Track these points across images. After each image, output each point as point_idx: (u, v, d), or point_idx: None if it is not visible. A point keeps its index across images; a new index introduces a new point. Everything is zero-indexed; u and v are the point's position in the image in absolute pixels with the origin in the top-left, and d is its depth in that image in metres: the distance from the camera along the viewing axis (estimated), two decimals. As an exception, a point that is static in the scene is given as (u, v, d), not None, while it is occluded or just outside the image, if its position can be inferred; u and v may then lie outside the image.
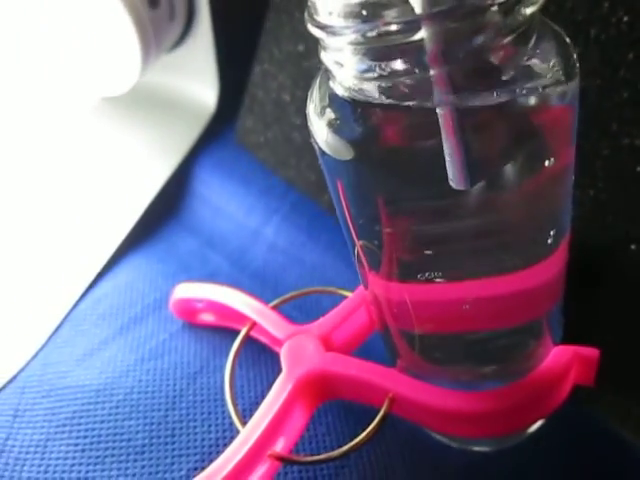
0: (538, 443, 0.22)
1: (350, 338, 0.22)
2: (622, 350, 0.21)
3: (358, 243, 0.17)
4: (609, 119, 0.21)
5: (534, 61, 0.13)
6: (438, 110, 0.12)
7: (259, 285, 0.29)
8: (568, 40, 0.14)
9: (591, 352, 0.19)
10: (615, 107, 0.21)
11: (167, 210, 0.34)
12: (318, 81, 0.15)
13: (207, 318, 0.27)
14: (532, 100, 0.13)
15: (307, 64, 0.31)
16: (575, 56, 0.14)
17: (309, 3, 0.13)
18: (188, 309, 0.27)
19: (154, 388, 0.25)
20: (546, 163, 0.14)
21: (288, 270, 0.29)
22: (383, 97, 0.13)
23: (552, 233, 0.16)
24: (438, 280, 0.17)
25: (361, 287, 0.23)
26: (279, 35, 0.32)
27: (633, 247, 0.21)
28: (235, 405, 0.22)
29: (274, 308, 0.24)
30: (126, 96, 0.34)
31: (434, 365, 0.20)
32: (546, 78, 0.13)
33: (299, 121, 0.32)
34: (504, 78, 0.13)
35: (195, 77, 0.36)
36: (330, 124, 0.14)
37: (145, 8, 0.30)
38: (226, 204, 0.33)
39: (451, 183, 0.13)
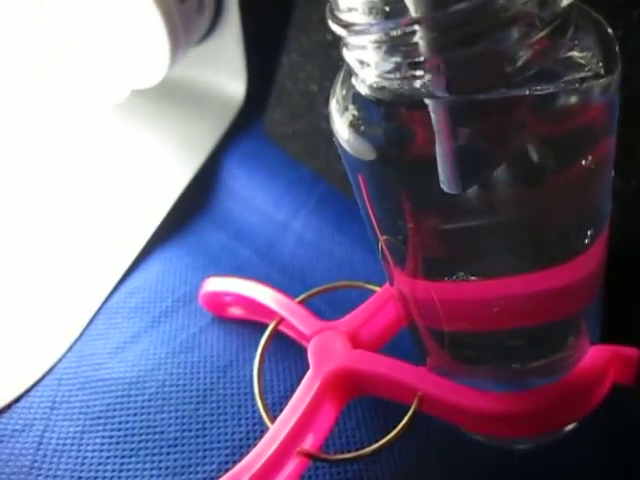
0: (576, 441, 0.21)
1: (378, 334, 0.22)
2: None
3: (382, 238, 0.17)
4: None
5: (571, 54, 0.13)
6: (432, 113, 0.12)
7: (287, 278, 0.29)
8: (610, 30, 0.13)
9: (630, 352, 0.18)
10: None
11: (196, 203, 0.34)
12: (341, 77, 0.15)
13: (236, 312, 0.27)
14: (569, 97, 0.13)
15: (335, 53, 0.30)
16: (617, 48, 0.13)
17: None
18: (217, 303, 0.27)
19: (185, 381, 0.25)
20: (582, 161, 0.14)
21: (316, 263, 0.29)
22: (407, 96, 0.13)
23: (589, 233, 0.15)
24: (467, 278, 0.16)
25: (387, 285, 0.22)
26: (307, 25, 0.32)
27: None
28: (264, 400, 0.22)
29: (301, 303, 0.24)
30: (155, 89, 0.34)
31: (464, 364, 0.20)
32: (584, 72, 0.13)
33: (327, 111, 0.31)
34: (532, 73, 0.12)
35: (223, 69, 0.36)
36: (352, 124, 0.14)
37: (174, 1, 0.30)
38: (254, 197, 0.33)
39: (442, 186, 0.13)
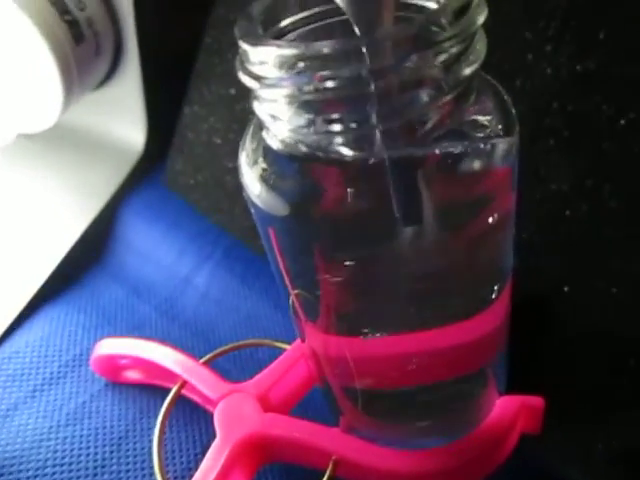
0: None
1: (289, 395, 0.21)
2: (564, 393, 0.21)
3: (293, 292, 0.16)
4: (537, 165, 0.22)
5: (475, 117, 0.13)
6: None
7: (190, 337, 0.27)
8: (507, 97, 0.14)
9: (537, 401, 0.19)
10: (542, 154, 0.21)
11: (90, 256, 0.31)
12: (251, 130, 0.15)
13: (133, 376, 0.25)
14: (474, 159, 0.13)
15: (240, 107, 0.30)
16: (514, 112, 0.14)
17: (240, 51, 0.12)
18: (112, 366, 0.25)
19: (72, 459, 0.22)
20: (488, 218, 0.14)
21: (221, 320, 0.28)
22: (319, 152, 0.12)
23: (496, 287, 0.16)
24: (379, 335, 0.16)
25: (297, 341, 0.21)
26: (210, 77, 0.31)
27: (566, 289, 0.22)
28: (164, 475, 0.20)
29: (206, 364, 0.23)
30: (49, 134, 0.32)
31: (379, 422, 0.19)
32: (487, 133, 0.13)
33: (232, 164, 0.31)
34: (439, 135, 0.13)
35: (122, 116, 0.34)
36: (263, 178, 0.14)
37: (69, 42, 0.29)
38: (154, 250, 0.31)
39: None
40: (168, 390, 0.22)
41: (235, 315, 0.28)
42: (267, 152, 0.14)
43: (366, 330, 0.16)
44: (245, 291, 0.29)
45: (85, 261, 0.31)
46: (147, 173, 0.34)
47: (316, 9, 0.14)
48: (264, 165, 0.14)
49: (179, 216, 0.32)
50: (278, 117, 0.13)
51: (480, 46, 0.12)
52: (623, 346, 0.21)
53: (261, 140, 0.14)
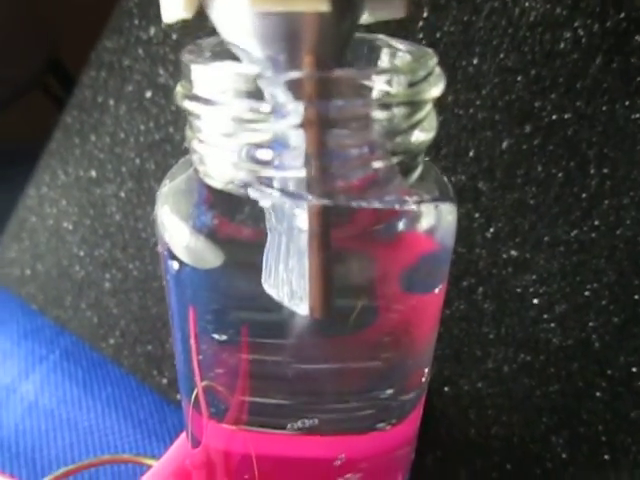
0: None
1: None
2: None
3: (200, 385, 0.14)
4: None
5: (410, 198, 0.13)
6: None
7: (9, 460, 0.21)
8: (450, 186, 0.14)
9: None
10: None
11: None
12: (181, 179, 0.13)
13: None
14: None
15: (100, 191, 0.27)
16: (454, 195, 0.14)
17: (185, 75, 0.11)
18: None
19: None
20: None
21: (54, 437, 0.22)
22: (249, 188, 0.11)
23: (426, 370, 0.15)
24: (297, 430, 0.14)
25: (171, 452, 0.18)
26: (67, 158, 0.28)
27: (447, 389, 0.22)
28: None
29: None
30: None
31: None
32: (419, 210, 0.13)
33: (83, 252, 0.27)
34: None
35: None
36: (195, 226, 0.12)
37: None
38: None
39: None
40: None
41: (72, 430, 0.23)
42: (201, 199, 0.12)
43: (286, 423, 0.14)
44: (87, 401, 0.24)
45: None
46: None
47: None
48: (197, 214, 0.12)
49: (7, 311, 0.26)
50: (217, 149, 0.11)
51: (431, 121, 0.12)
52: (498, 449, 0.21)
53: (193, 189, 0.12)
